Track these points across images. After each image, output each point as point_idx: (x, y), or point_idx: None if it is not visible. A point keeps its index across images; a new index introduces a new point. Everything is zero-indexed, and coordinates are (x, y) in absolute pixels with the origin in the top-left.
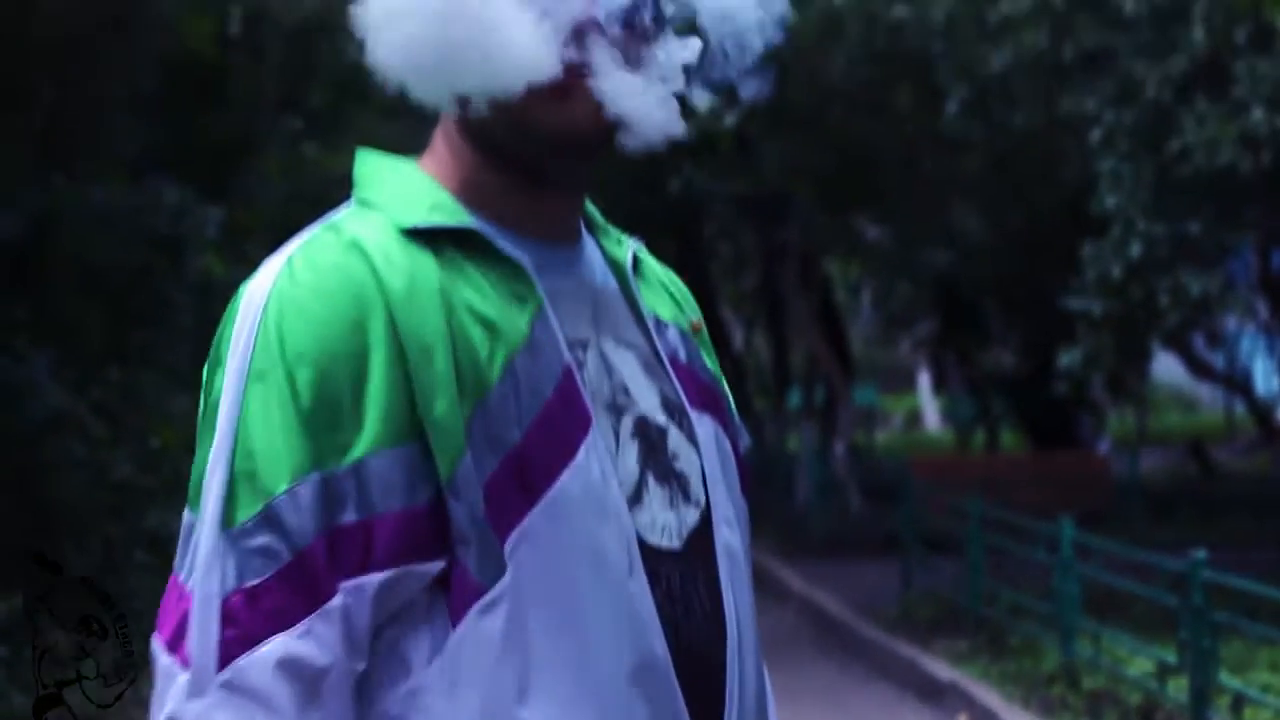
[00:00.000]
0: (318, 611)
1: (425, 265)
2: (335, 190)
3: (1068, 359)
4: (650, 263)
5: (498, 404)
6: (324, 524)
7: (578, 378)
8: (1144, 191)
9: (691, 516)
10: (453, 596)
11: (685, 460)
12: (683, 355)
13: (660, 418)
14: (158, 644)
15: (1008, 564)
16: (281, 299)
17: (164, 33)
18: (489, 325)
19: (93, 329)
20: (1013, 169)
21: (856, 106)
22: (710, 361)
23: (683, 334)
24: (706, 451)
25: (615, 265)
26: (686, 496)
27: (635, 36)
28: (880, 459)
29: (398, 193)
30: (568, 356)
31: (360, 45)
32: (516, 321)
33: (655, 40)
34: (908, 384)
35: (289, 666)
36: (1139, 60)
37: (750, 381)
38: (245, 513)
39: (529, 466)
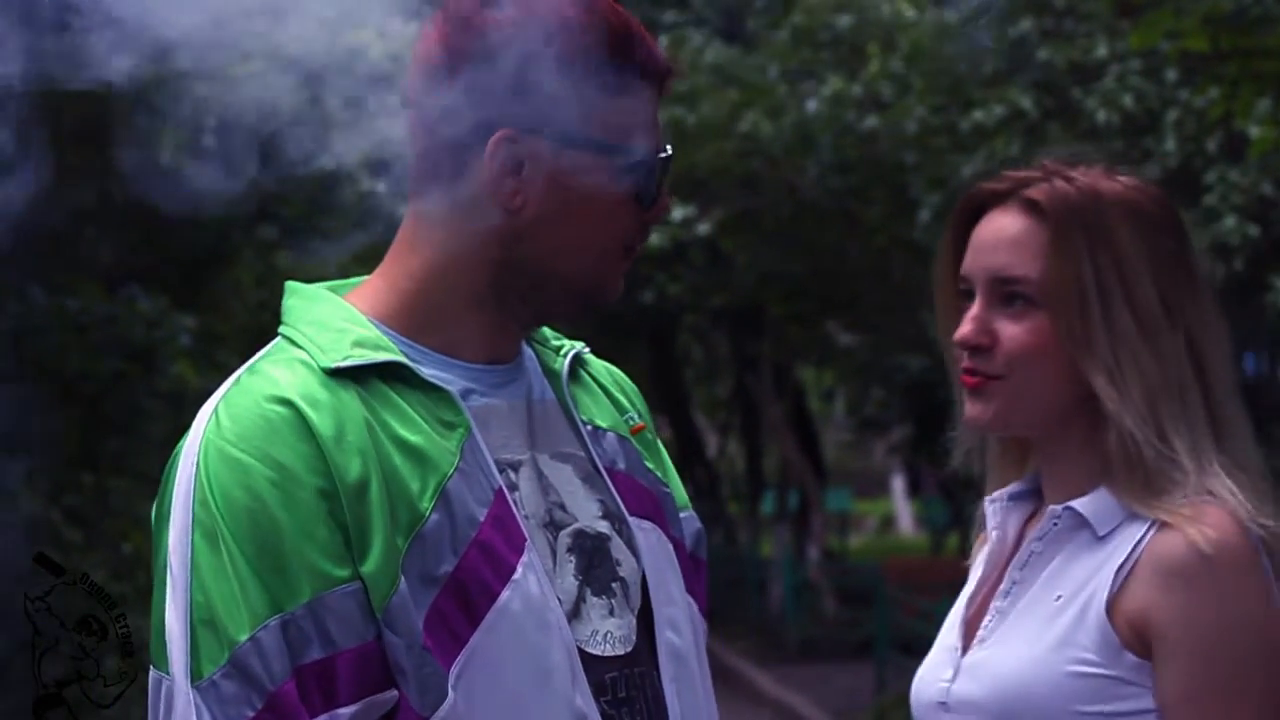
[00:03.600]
0: None
1: (349, 402)
2: None
3: None
4: (594, 365)
5: (433, 533)
6: (290, 665)
7: (509, 499)
8: None
9: (633, 622)
10: None
11: (627, 567)
12: (621, 463)
13: (601, 526)
14: None
15: None
16: (211, 450)
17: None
18: (418, 454)
19: (66, 437)
20: None
21: (829, 216)
22: (652, 462)
23: (621, 439)
24: (648, 558)
25: (552, 376)
26: (628, 602)
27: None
28: (854, 563)
29: (321, 330)
30: (498, 479)
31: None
32: (445, 447)
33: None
34: (882, 489)
35: None
36: None
37: (724, 487)
38: (211, 664)
39: (468, 589)
